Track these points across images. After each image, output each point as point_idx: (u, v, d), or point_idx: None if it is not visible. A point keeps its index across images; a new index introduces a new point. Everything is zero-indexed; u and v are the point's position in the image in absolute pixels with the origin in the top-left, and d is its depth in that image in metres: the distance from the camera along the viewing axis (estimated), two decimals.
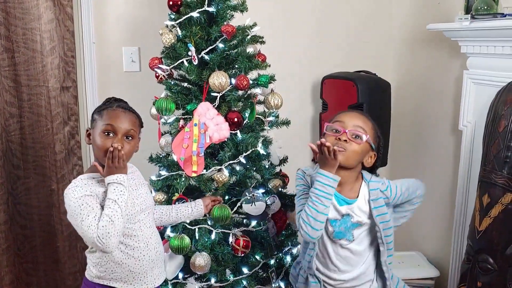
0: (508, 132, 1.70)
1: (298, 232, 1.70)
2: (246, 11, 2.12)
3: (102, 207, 1.57)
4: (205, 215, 2.03)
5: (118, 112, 1.65)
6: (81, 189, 1.58)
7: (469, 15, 2.06)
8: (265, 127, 2.18)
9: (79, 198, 1.56)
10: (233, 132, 2.06)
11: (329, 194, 1.60)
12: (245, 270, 2.14)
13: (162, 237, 1.99)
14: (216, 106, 2.03)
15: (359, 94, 2.50)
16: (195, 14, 2.01)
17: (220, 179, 2.04)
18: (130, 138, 1.66)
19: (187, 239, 1.99)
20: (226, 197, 2.14)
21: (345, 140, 1.64)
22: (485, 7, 2.00)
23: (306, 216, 1.60)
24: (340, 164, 1.61)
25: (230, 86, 2.02)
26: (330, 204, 1.62)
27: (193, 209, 1.97)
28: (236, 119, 2.03)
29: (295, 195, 1.78)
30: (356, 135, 1.66)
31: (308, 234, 1.61)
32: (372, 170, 1.79)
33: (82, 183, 1.62)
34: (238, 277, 2.15)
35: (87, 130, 1.70)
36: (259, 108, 2.20)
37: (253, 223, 2.14)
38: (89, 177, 1.65)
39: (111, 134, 1.62)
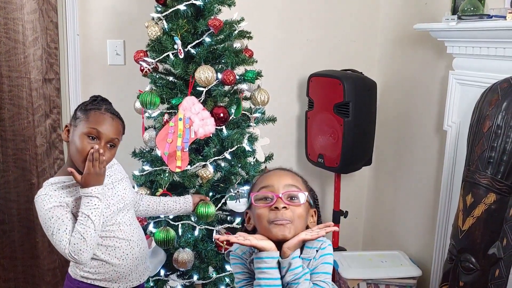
0: (492, 132, 1.71)
1: None
2: (234, 5, 2.11)
3: (74, 214, 1.53)
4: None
5: (106, 117, 1.57)
6: (50, 199, 1.52)
7: (456, 15, 2.07)
8: (251, 124, 2.17)
9: (49, 210, 1.51)
10: (219, 127, 2.04)
11: (277, 280, 1.26)
12: (228, 267, 2.12)
13: (145, 233, 1.97)
14: (201, 101, 2.00)
15: (345, 92, 2.50)
16: (182, 7, 1.98)
17: (205, 175, 2.02)
18: (112, 146, 1.59)
19: (172, 232, 1.97)
20: (210, 194, 2.12)
21: (284, 207, 1.30)
22: (472, 8, 2.02)
23: None
24: (286, 238, 1.29)
25: (217, 81, 2.00)
26: None
27: (181, 206, 1.95)
28: (222, 115, 2.01)
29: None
30: (292, 197, 1.33)
31: None
32: None
33: (52, 189, 1.55)
34: (221, 275, 2.13)
35: (66, 126, 1.61)
36: (246, 104, 2.18)
37: (238, 220, 2.13)
38: (60, 181, 1.58)
39: (94, 139, 1.55)
